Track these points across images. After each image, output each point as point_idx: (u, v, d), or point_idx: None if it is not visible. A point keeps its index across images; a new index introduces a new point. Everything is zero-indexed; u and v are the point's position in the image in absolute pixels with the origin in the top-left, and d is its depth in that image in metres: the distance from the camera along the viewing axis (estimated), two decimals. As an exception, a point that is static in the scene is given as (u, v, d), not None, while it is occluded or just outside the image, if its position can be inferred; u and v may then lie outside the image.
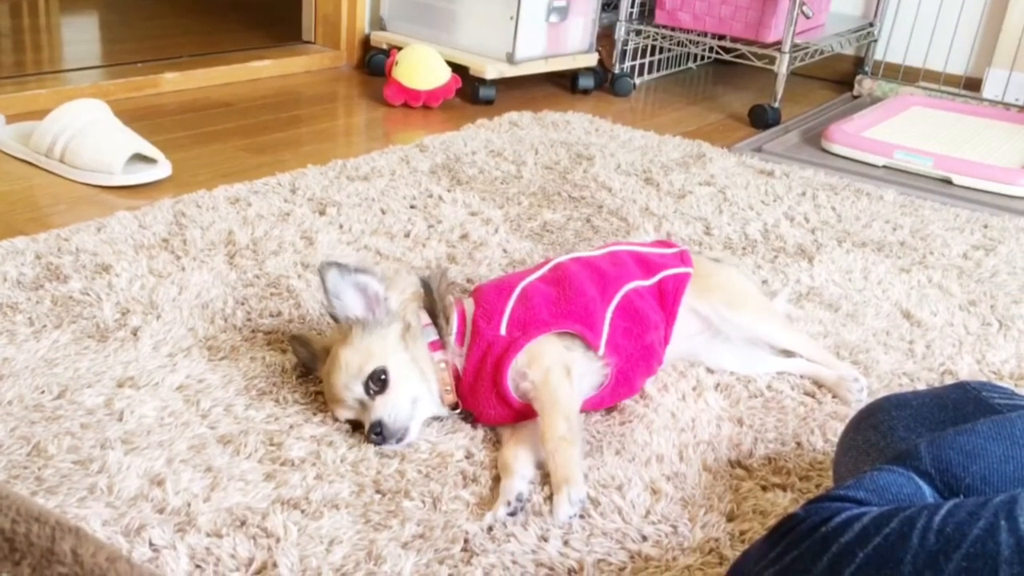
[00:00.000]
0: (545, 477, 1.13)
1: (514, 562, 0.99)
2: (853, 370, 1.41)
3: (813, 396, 1.37)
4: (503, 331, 1.22)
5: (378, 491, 1.09)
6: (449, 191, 2.01)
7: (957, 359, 1.50)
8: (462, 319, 1.25)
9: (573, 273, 1.32)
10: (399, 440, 1.17)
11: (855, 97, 3.27)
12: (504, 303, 1.25)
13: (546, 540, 1.03)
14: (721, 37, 2.97)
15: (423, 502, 1.08)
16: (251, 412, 1.21)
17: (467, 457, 1.16)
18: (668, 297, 1.35)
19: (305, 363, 1.30)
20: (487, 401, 1.21)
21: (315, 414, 1.22)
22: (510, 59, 2.78)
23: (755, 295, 1.48)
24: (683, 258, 1.41)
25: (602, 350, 1.25)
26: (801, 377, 1.41)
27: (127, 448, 1.11)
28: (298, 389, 1.26)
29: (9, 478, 1.05)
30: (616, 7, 3.08)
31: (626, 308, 1.30)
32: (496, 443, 1.20)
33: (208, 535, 0.99)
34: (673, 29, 3.04)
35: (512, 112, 2.63)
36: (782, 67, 2.78)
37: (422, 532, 1.03)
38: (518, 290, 1.28)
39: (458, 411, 1.24)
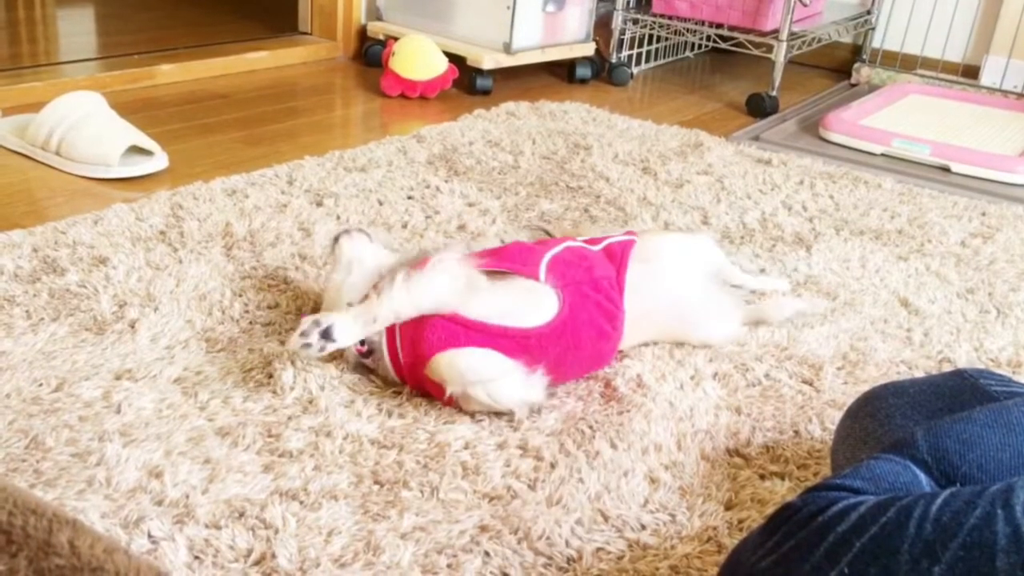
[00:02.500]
0: (536, 465, 1.13)
1: (513, 552, 1.00)
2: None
3: (811, 384, 1.37)
4: None
5: (376, 482, 1.09)
6: (446, 182, 2.01)
7: (955, 347, 1.51)
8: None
9: (514, 244, 1.39)
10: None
11: (853, 85, 3.26)
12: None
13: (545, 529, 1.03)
14: (718, 26, 2.96)
15: (421, 492, 1.08)
16: (249, 404, 1.21)
17: (466, 447, 1.16)
18: (616, 255, 1.39)
19: None
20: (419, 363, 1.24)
21: (312, 403, 1.22)
22: (507, 49, 2.77)
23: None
24: (629, 234, 1.46)
25: (542, 276, 1.28)
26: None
27: (125, 440, 1.11)
28: (296, 382, 1.26)
29: (7, 471, 1.05)
30: (613, -4, 3.07)
31: (568, 251, 1.35)
32: (494, 433, 1.20)
33: (207, 527, 0.99)
34: (670, 18, 3.04)
35: (509, 102, 2.62)
36: (779, 55, 2.77)
37: (421, 523, 1.03)
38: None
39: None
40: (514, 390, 1.20)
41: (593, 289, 1.31)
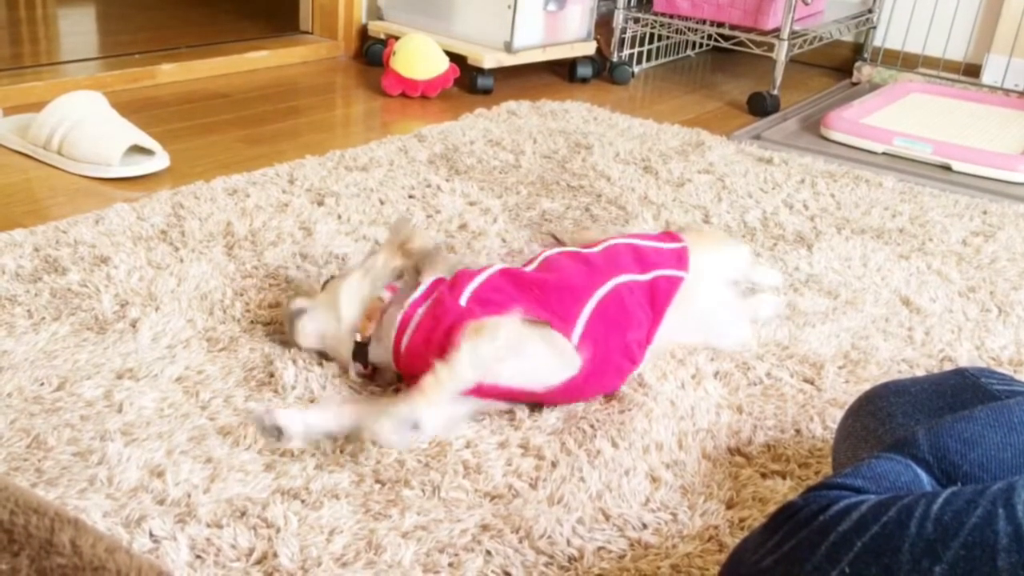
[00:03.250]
0: (538, 465, 1.13)
1: (515, 550, 1.00)
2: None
3: (812, 383, 1.37)
4: (463, 302, 1.21)
5: (378, 480, 1.09)
6: (447, 181, 2.01)
7: (956, 345, 1.50)
8: (433, 287, 1.25)
9: (561, 265, 1.31)
10: None
11: (854, 84, 3.26)
12: (473, 277, 1.25)
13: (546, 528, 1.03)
14: (720, 24, 2.96)
15: (423, 491, 1.08)
16: (251, 403, 1.21)
17: (467, 446, 1.16)
18: (659, 297, 1.33)
19: None
20: (428, 367, 1.16)
21: (313, 403, 1.22)
22: (508, 48, 2.77)
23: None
24: (680, 259, 1.39)
25: (575, 340, 1.21)
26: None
27: (127, 440, 1.11)
28: (298, 381, 1.26)
29: (9, 470, 1.05)
30: (614, -5, 3.07)
31: (612, 299, 1.27)
32: (495, 432, 1.20)
33: (208, 526, 0.99)
34: (671, 17, 3.03)
35: (510, 101, 2.62)
36: (781, 54, 2.77)
37: (422, 522, 1.03)
38: (492, 270, 1.28)
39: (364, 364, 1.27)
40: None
41: (620, 352, 1.27)
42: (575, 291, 1.26)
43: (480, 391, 1.18)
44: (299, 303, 1.33)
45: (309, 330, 1.31)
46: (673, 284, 1.35)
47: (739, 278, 1.54)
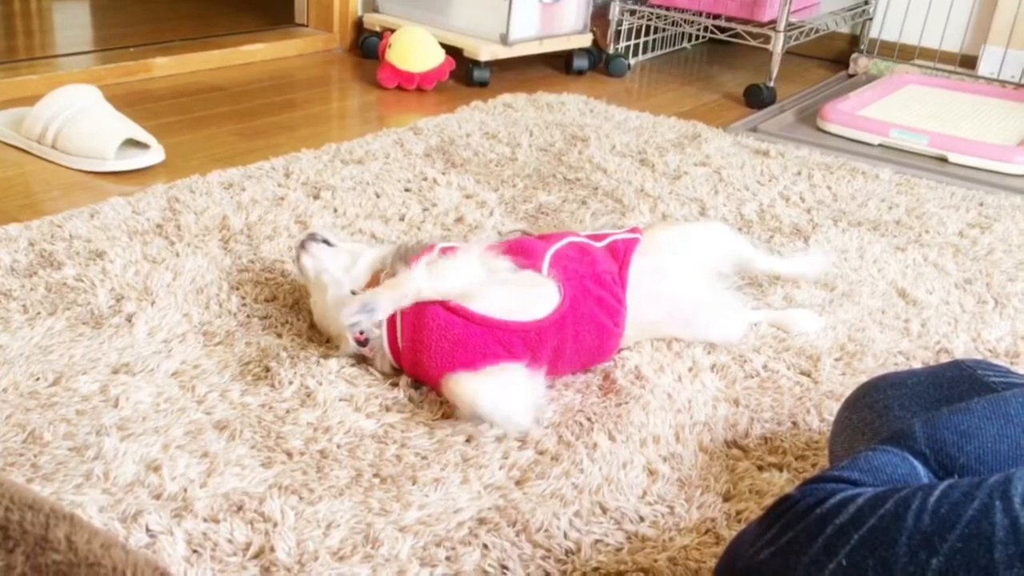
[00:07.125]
0: (535, 462, 1.13)
1: (512, 544, 1.00)
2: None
3: (809, 375, 1.37)
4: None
5: (376, 475, 1.09)
6: (444, 174, 2.00)
7: (952, 337, 1.51)
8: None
9: (514, 240, 1.38)
10: None
11: (850, 76, 3.26)
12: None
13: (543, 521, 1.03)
14: (716, 16, 2.95)
15: (420, 485, 1.08)
16: (247, 397, 1.21)
17: (467, 441, 1.16)
18: (619, 253, 1.37)
19: None
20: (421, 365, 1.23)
21: (310, 397, 1.22)
22: (504, 40, 2.77)
23: None
24: (633, 231, 1.44)
25: (545, 269, 1.28)
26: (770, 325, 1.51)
27: (123, 434, 1.11)
28: (295, 375, 1.26)
29: (5, 466, 1.05)
30: (610, -13, 3.06)
31: (570, 246, 1.35)
32: (492, 426, 1.20)
33: (205, 520, 0.99)
34: (668, 9, 3.03)
35: (506, 94, 2.62)
36: (777, 46, 2.77)
37: (419, 515, 1.03)
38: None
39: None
40: (521, 419, 1.19)
41: (595, 283, 1.30)
42: (535, 245, 1.33)
43: (471, 321, 1.20)
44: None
45: (311, 266, 1.35)
46: (629, 243, 1.39)
47: (729, 258, 1.50)
